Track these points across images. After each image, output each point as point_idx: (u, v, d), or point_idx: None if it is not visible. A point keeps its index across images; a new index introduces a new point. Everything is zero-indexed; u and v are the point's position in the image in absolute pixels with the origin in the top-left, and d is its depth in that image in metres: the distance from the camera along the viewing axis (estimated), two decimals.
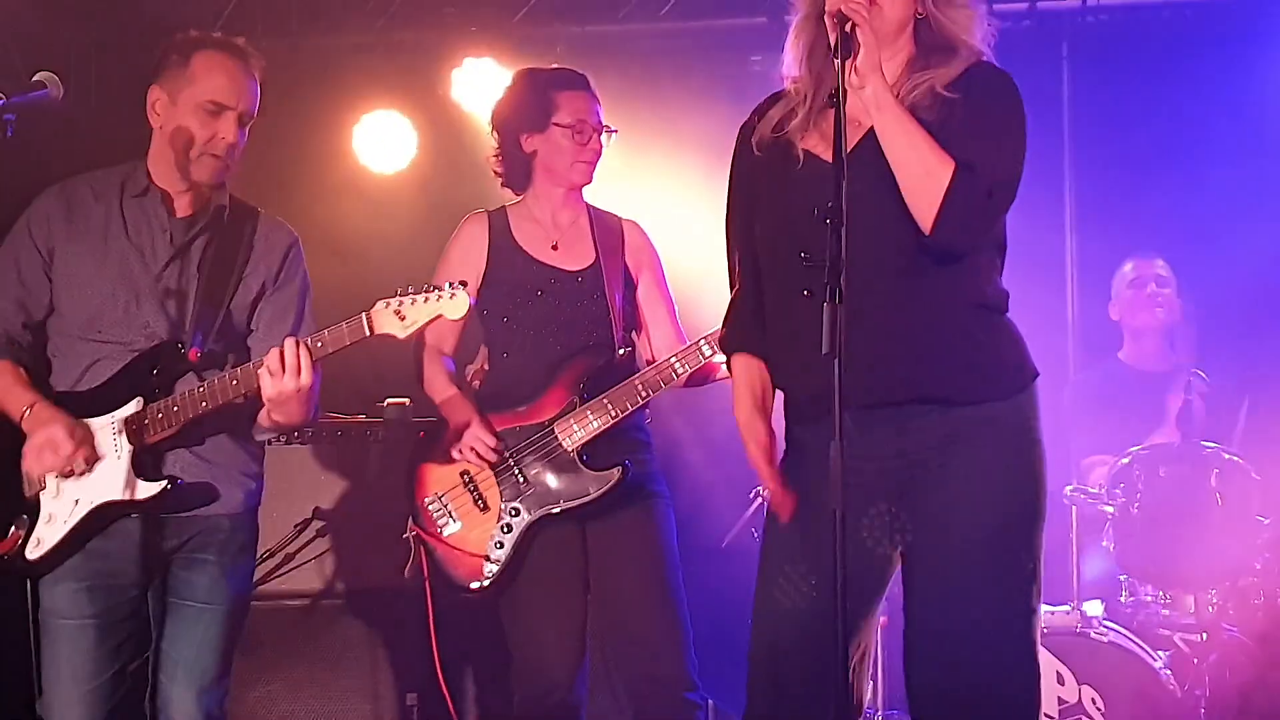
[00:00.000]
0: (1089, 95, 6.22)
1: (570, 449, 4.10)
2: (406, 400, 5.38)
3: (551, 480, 4.10)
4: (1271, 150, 5.90)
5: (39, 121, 3.57)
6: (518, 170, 4.30)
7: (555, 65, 4.52)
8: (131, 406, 3.62)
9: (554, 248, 4.26)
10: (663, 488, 4.25)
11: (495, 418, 4.14)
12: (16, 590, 3.65)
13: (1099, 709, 4.77)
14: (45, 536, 3.62)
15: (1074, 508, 5.04)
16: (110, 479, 3.61)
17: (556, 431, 4.12)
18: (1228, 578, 4.91)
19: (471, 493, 4.14)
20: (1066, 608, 4.94)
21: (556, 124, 4.22)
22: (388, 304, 3.55)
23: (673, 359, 4.11)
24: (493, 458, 4.09)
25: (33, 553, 3.61)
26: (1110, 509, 4.95)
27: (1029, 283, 5.33)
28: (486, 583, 4.10)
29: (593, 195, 4.41)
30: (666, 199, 5.82)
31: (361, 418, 5.39)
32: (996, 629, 2.96)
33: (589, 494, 4.08)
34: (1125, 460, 4.98)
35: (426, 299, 3.54)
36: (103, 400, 3.64)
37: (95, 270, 3.66)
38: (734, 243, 3.20)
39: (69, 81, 3.67)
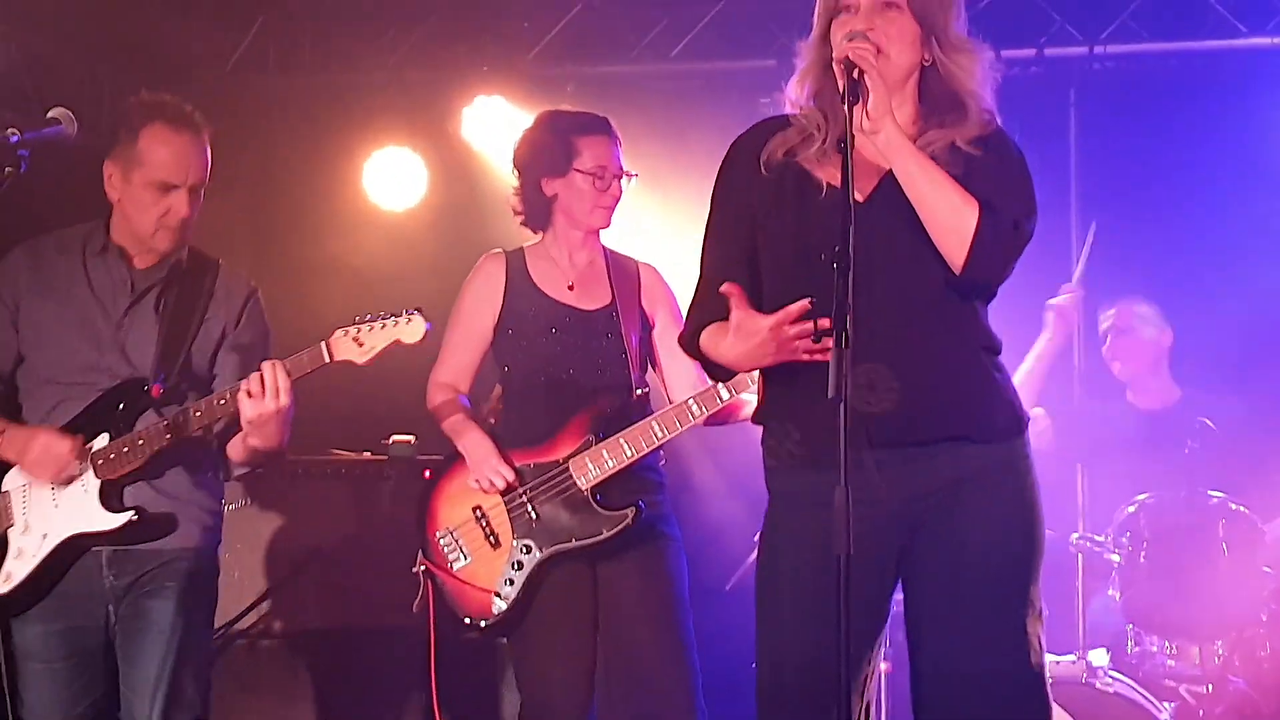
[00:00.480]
0: (1096, 141, 6.24)
1: (584, 487, 4.10)
2: (412, 437, 5.38)
3: (565, 518, 4.10)
4: (1276, 195, 5.93)
5: (52, 156, 3.60)
6: (537, 211, 4.31)
7: (577, 109, 4.50)
8: (99, 442, 3.71)
9: (570, 288, 4.27)
10: (675, 530, 4.25)
11: (510, 454, 4.14)
12: None
13: None
14: (15, 571, 3.70)
15: (1080, 555, 5.03)
16: (77, 512, 3.70)
17: (571, 469, 4.11)
18: (1234, 629, 4.88)
19: (483, 528, 4.14)
20: (1072, 657, 4.91)
21: (577, 169, 4.24)
22: (345, 331, 3.67)
23: (690, 400, 4.11)
24: (505, 485, 4.08)
25: (2, 587, 3.69)
26: (1116, 557, 4.94)
27: (1037, 327, 5.43)
28: (495, 620, 4.09)
29: (602, 234, 4.42)
30: (675, 239, 5.82)
31: (368, 455, 5.39)
32: (1013, 668, 2.97)
33: (602, 534, 4.08)
34: (1131, 509, 4.97)
35: (384, 325, 3.67)
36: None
37: (59, 319, 3.77)
38: (716, 251, 3.11)
39: (83, 118, 3.70)
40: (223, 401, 3.67)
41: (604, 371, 4.20)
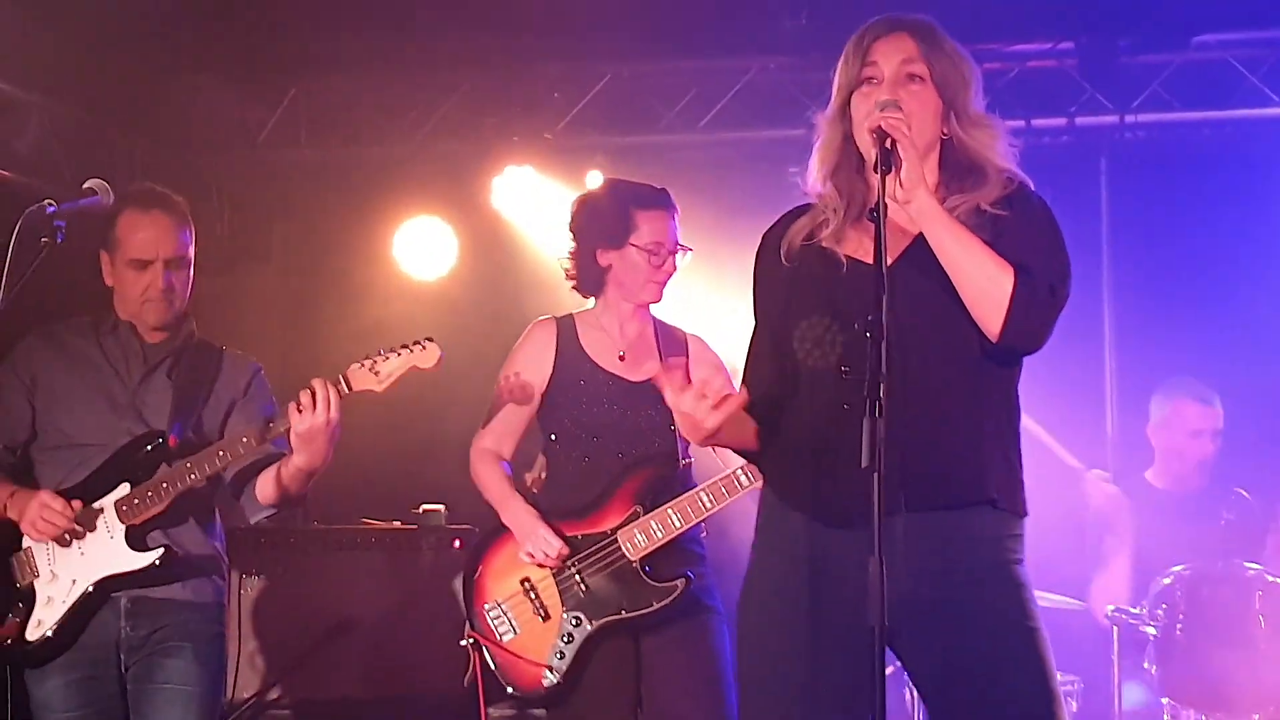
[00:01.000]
0: (1128, 210, 6.24)
1: (633, 559, 4.08)
2: (442, 506, 5.37)
3: (614, 590, 4.07)
4: None
5: (88, 227, 3.67)
6: (590, 279, 4.31)
7: (637, 181, 4.43)
8: (120, 490, 3.82)
9: (621, 358, 4.26)
10: (718, 602, 4.19)
11: (556, 525, 4.12)
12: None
13: None
14: (45, 618, 3.80)
15: (1115, 629, 4.96)
16: (105, 556, 3.81)
17: (620, 540, 4.09)
18: (1272, 702, 4.80)
19: (533, 600, 4.11)
20: None
21: (634, 244, 4.23)
22: (361, 364, 3.78)
23: (737, 470, 4.06)
24: (557, 561, 4.06)
25: (33, 634, 3.79)
26: (1153, 630, 4.87)
27: (1069, 398, 5.39)
28: (545, 692, 4.06)
29: None
30: (704, 307, 5.83)
31: (398, 524, 5.38)
32: None
33: (652, 605, 4.05)
34: (1167, 580, 4.90)
35: (399, 354, 3.80)
36: (92, 488, 3.84)
37: (78, 386, 3.92)
38: (749, 350, 3.15)
39: (118, 189, 3.78)
40: (245, 440, 3.77)
41: (651, 442, 4.18)
